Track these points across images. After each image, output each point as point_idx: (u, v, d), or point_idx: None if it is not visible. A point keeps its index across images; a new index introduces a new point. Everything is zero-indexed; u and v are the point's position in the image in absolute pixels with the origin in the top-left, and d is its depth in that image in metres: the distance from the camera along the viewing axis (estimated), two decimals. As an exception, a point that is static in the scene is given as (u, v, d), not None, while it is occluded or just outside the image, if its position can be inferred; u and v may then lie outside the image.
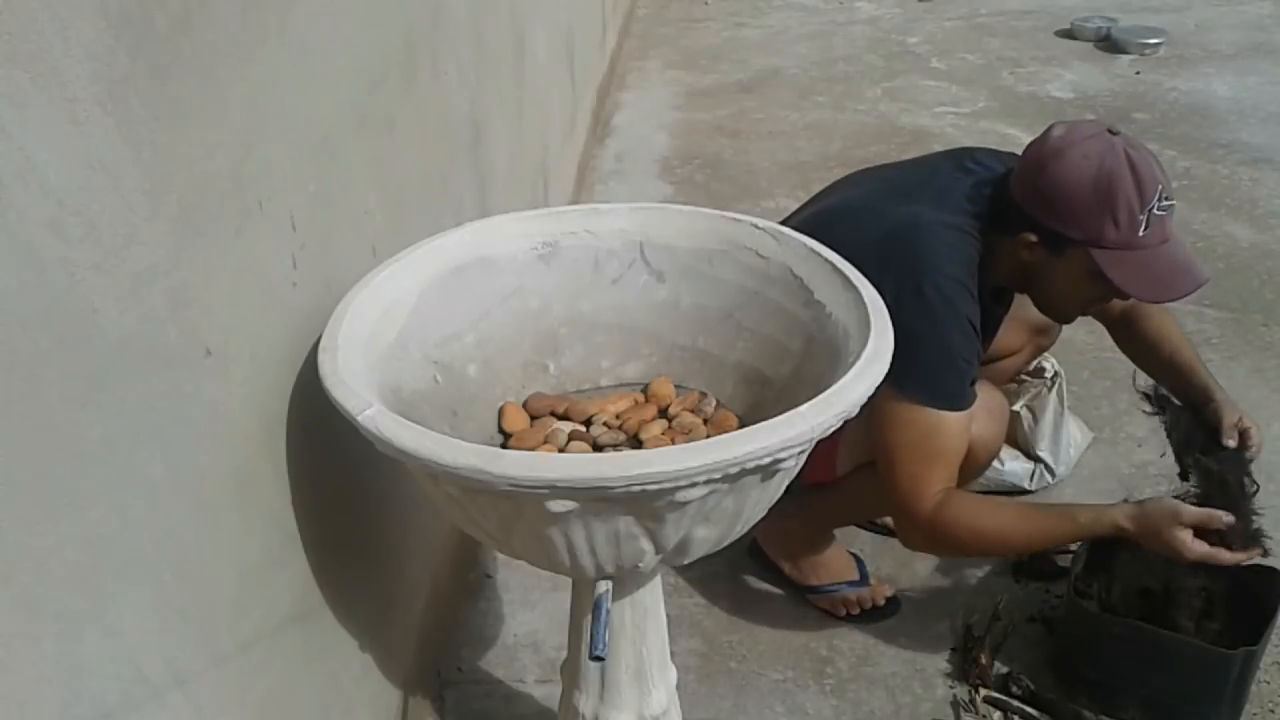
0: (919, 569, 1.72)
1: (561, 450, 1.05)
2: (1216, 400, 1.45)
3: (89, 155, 0.66)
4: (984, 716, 1.47)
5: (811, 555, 1.63)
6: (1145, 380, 1.55)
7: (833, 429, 0.83)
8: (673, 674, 1.14)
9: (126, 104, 0.70)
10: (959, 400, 1.29)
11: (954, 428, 1.29)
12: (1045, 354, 1.78)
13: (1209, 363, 2.04)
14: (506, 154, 1.91)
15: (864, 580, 1.64)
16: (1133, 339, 1.57)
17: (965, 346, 1.29)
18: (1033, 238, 1.30)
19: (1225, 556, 1.27)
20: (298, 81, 0.99)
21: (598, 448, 1.06)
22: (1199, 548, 1.27)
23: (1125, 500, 1.34)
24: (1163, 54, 3.97)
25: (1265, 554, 1.32)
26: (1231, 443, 1.39)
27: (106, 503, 0.70)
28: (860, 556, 1.69)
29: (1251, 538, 1.31)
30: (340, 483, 1.13)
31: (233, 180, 0.86)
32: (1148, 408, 1.52)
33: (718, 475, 0.78)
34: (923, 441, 1.29)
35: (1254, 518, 1.33)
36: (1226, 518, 1.28)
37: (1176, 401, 1.49)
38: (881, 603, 1.63)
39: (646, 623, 1.06)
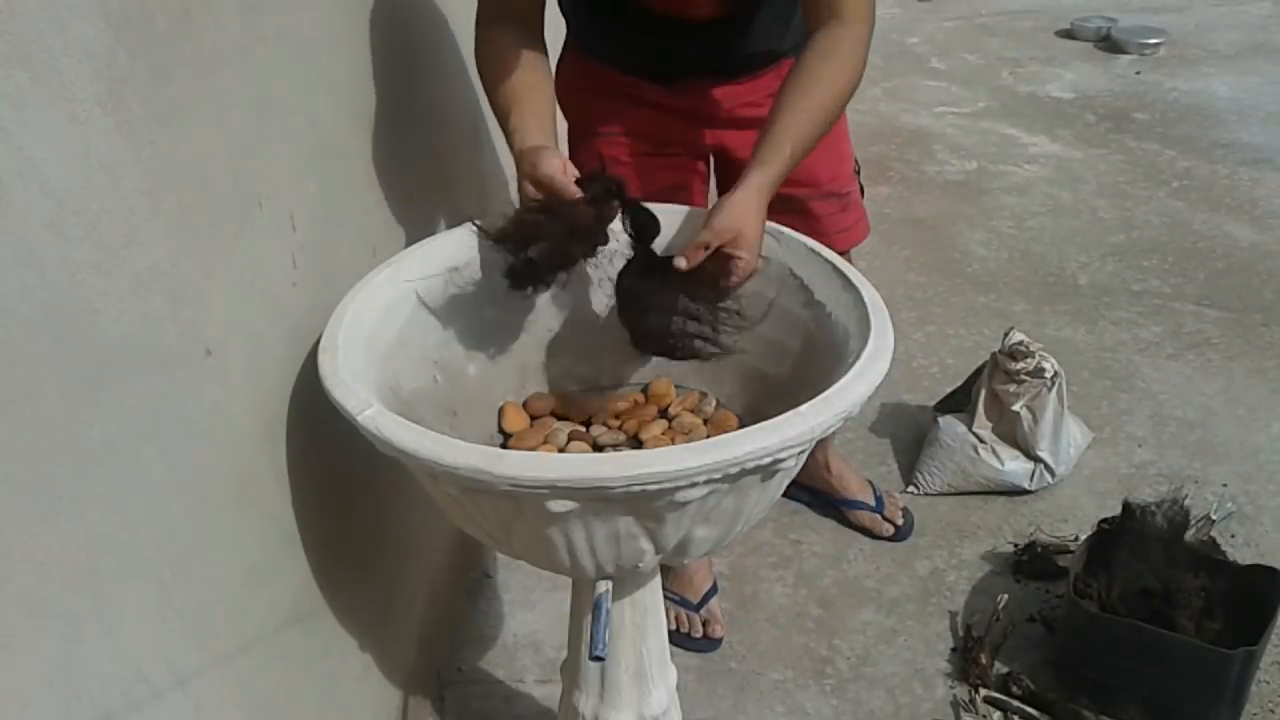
0: (919, 569, 1.72)
1: (561, 450, 1.05)
2: (728, 200, 1.02)
3: (89, 155, 0.66)
4: (984, 716, 1.47)
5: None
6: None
7: (833, 429, 0.83)
8: (673, 674, 1.14)
9: (126, 104, 0.70)
10: None
11: None
12: (1045, 354, 1.78)
13: (1208, 364, 2.04)
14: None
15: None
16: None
17: None
18: None
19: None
20: (298, 81, 0.99)
21: (598, 448, 1.06)
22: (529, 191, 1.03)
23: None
24: (1163, 54, 3.97)
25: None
26: (680, 263, 0.99)
27: (106, 503, 0.70)
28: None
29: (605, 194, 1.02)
30: (340, 483, 1.13)
31: (233, 180, 0.86)
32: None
33: (718, 475, 0.78)
34: None
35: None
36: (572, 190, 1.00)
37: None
38: (698, 634, 1.60)
39: (646, 623, 1.06)
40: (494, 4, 1.15)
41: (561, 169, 1.01)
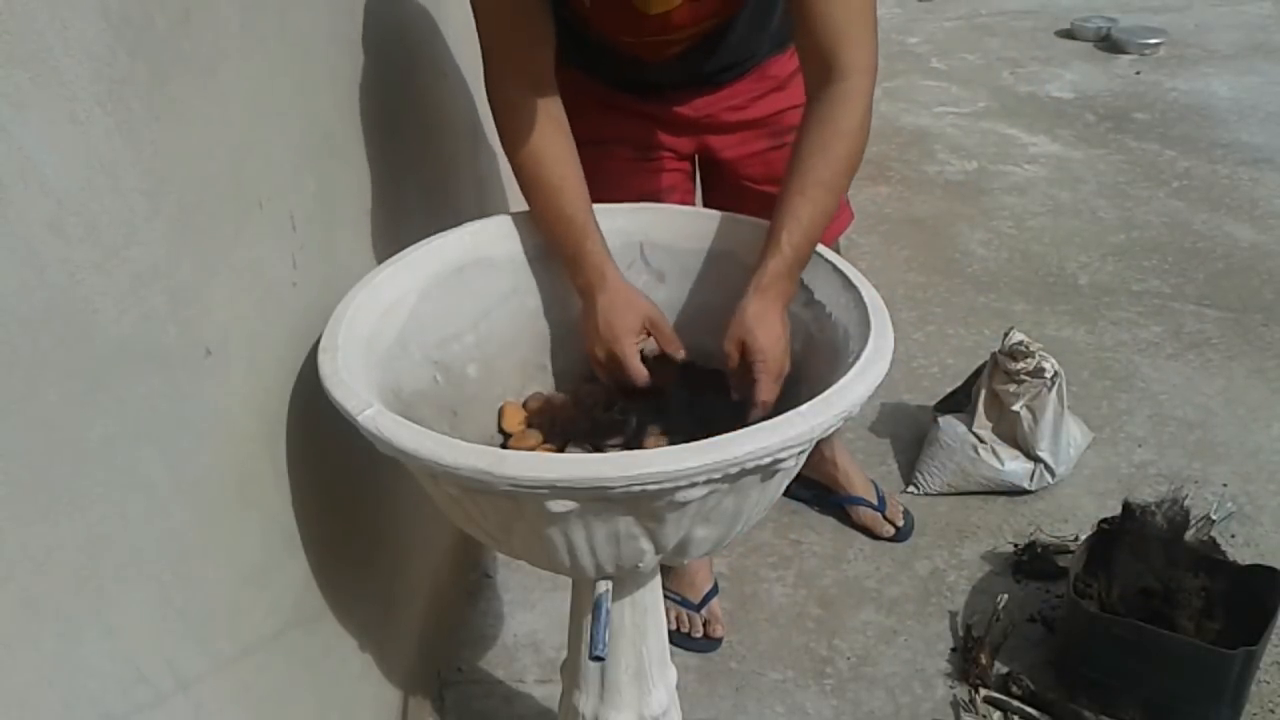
0: (919, 569, 1.72)
1: (561, 450, 1.05)
2: (742, 304, 1.02)
3: (89, 155, 0.66)
4: (984, 716, 1.47)
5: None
6: None
7: (833, 429, 0.83)
8: (673, 674, 1.14)
9: (126, 104, 0.70)
10: None
11: None
12: (1045, 354, 1.78)
13: (1208, 363, 2.04)
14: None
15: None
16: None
17: None
18: None
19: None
20: (298, 81, 0.99)
21: (598, 448, 1.06)
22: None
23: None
24: (1163, 54, 3.96)
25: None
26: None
27: (106, 503, 0.70)
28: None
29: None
30: (340, 483, 1.13)
31: (233, 180, 0.86)
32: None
33: (718, 475, 0.78)
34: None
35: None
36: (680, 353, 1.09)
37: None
38: (699, 634, 1.59)
39: (646, 623, 1.06)
40: (510, 64, 1.09)
41: (634, 351, 1.07)
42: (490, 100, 1.11)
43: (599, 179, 1.17)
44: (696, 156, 1.40)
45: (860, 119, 1.03)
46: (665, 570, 1.44)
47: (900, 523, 1.77)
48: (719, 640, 1.59)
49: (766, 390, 0.99)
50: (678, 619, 1.59)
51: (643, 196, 1.23)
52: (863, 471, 1.82)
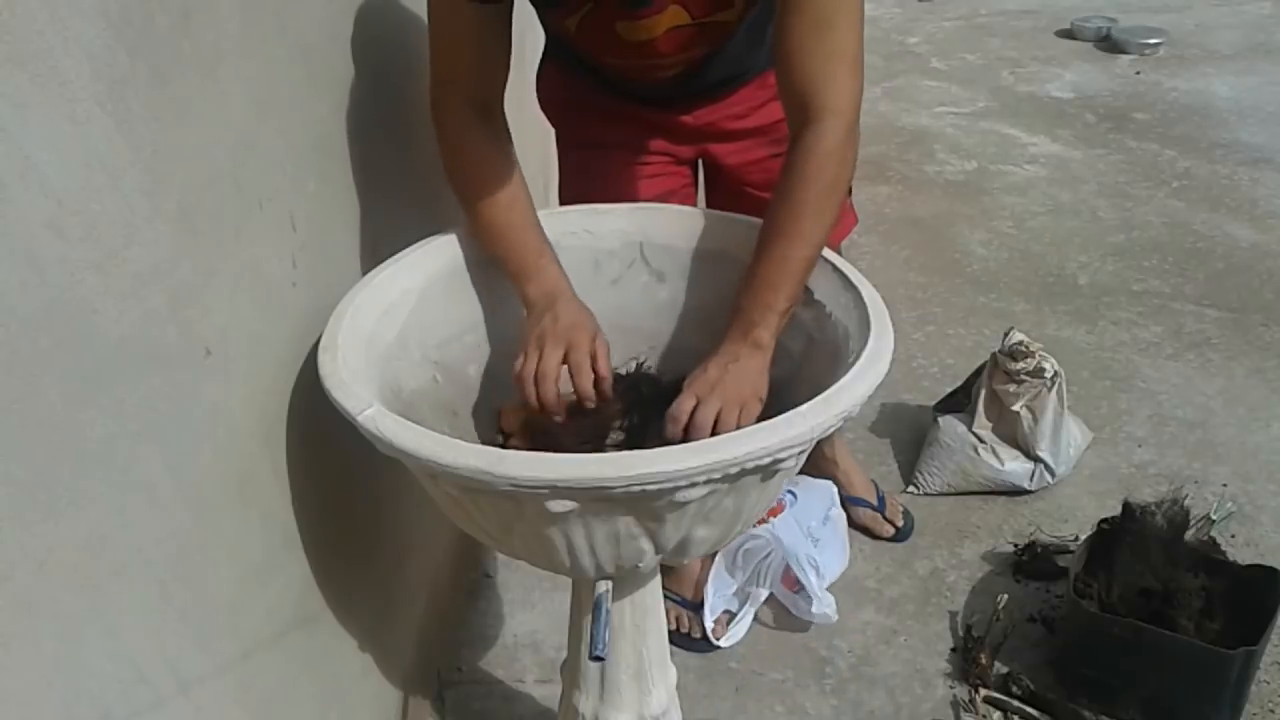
0: (919, 569, 1.72)
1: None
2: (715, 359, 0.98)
3: (89, 155, 0.66)
4: (984, 716, 1.47)
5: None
6: None
7: (833, 429, 0.83)
8: (673, 674, 1.14)
9: (126, 104, 0.70)
10: None
11: None
12: (1045, 354, 1.78)
13: (1208, 363, 2.04)
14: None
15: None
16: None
17: None
18: None
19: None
20: (298, 81, 0.99)
21: (598, 449, 1.06)
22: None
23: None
24: (1163, 54, 3.97)
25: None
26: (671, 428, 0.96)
27: (106, 503, 0.70)
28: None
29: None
30: (340, 483, 1.13)
31: (233, 180, 0.86)
32: None
33: (718, 475, 0.78)
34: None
35: None
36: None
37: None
38: (698, 635, 1.58)
39: (646, 623, 1.06)
40: (463, 89, 1.05)
41: (600, 370, 0.99)
42: (437, 122, 1.07)
43: (600, 183, 1.16)
44: (699, 160, 1.40)
45: (828, 162, 0.99)
46: (664, 570, 1.43)
47: (900, 523, 1.77)
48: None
49: (679, 409, 0.94)
50: (677, 619, 1.59)
51: (643, 201, 1.23)
52: (863, 471, 1.82)
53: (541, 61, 1.36)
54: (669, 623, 1.55)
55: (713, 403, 0.94)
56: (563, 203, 1.32)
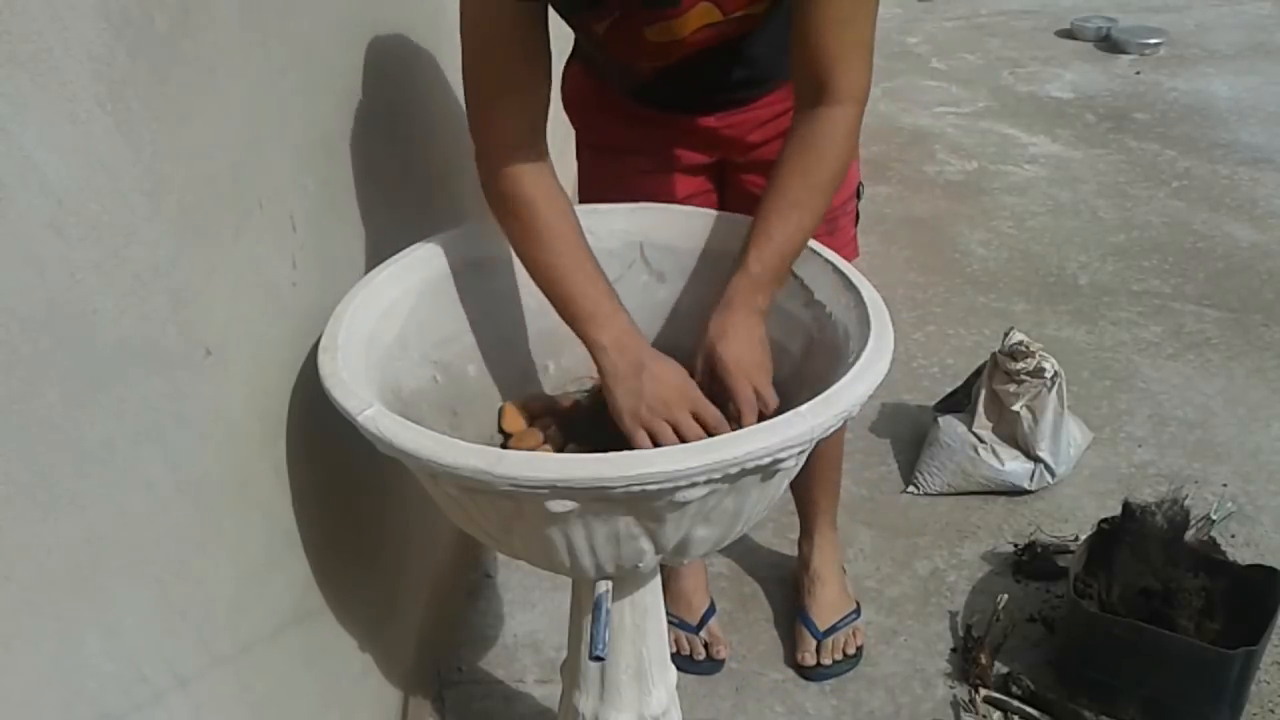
0: (919, 569, 1.72)
1: (560, 450, 1.05)
2: (709, 339, 1.00)
3: (89, 155, 0.66)
4: (984, 716, 1.47)
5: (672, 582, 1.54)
6: None
7: (833, 429, 0.83)
8: (673, 674, 1.14)
9: (126, 104, 0.70)
10: None
11: None
12: (1045, 354, 1.78)
13: (1208, 363, 2.04)
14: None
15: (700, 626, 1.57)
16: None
17: None
18: None
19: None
20: (298, 81, 0.99)
21: (598, 449, 1.06)
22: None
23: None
24: (1163, 54, 3.96)
25: None
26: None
27: (106, 503, 0.70)
28: (714, 602, 1.62)
29: None
30: (340, 483, 1.13)
31: (233, 180, 0.86)
32: None
33: (718, 475, 0.78)
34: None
35: None
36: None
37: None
38: (700, 657, 1.54)
39: (646, 623, 1.06)
40: (504, 134, 1.02)
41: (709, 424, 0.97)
42: (482, 155, 1.03)
43: (619, 187, 1.16)
44: (720, 168, 1.38)
45: (844, 146, 1.02)
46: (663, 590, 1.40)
47: (828, 660, 1.55)
48: (722, 662, 1.56)
49: (742, 398, 0.97)
50: (677, 642, 1.55)
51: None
52: (840, 581, 1.63)
53: (568, 61, 1.36)
54: (670, 645, 1.51)
55: (761, 381, 0.99)
56: (581, 204, 1.32)
